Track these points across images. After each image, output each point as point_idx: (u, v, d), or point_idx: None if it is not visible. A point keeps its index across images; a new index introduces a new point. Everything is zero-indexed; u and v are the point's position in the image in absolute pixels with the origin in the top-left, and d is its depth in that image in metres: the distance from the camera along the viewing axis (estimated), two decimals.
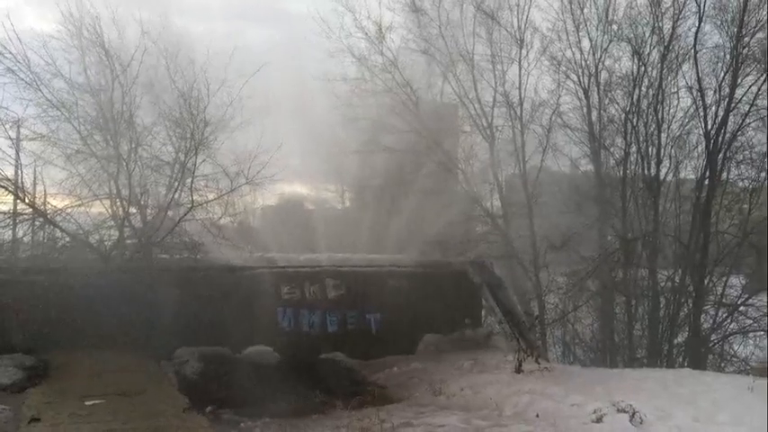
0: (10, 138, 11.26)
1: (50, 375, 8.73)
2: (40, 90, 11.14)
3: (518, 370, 9.83)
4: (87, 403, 7.07)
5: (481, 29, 15.96)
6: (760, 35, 13.79)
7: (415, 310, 12.64)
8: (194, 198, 11.89)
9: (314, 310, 12.19)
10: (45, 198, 11.28)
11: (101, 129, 11.74)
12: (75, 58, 11.58)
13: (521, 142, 16.02)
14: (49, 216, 11.25)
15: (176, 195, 12.05)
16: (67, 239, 11.49)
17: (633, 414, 7.06)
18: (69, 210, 11.38)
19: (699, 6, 14.39)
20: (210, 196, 12.31)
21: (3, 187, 10.69)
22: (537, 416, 7.68)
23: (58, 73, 11.29)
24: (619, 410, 7.23)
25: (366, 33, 15.71)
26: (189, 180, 11.94)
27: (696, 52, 14.48)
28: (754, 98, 13.84)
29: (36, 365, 9.15)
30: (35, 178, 11.49)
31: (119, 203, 11.72)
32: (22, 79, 11.03)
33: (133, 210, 11.81)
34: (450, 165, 15.81)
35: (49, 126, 11.32)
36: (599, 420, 7.15)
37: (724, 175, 14.62)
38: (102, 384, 8.05)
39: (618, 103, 15.82)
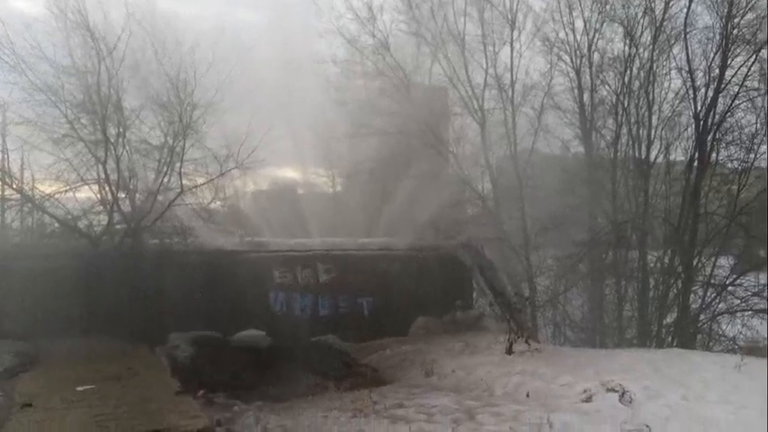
0: None
1: (42, 361, 8.72)
2: (25, 74, 10.98)
3: (509, 351, 9.90)
4: (79, 389, 7.07)
5: (473, 9, 15.85)
6: (750, 16, 13.73)
7: (407, 293, 12.69)
8: (184, 182, 11.82)
9: (306, 293, 12.23)
10: (33, 183, 11.20)
11: (88, 112, 11.58)
12: (60, 41, 11.37)
13: (512, 124, 15.98)
14: (37, 202, 11.15)
15: (165, 180, 11.96)
16: (56, 225, 11.41)
17: (623, 393, 7.14)
18: (57, 195, 11.29)
19: None
20: (200, 180, 12.26)
21: None
22: (527, 396, 7.75)
23: (43, 56, 11.11)
24: (608, 390, 7.30)
25: (357, 14, 15.58)
26: (178, 164, 11.86)
27: (686, 33, 14.43)
28: (744, 79, 13.81)
29: (27, 351, 9.12)
30: (22, 163, 11.39)
31: (107, 188, 11.62)
32: (7, 62, 10.90)
33: (122, 194, 11.73)
34: (440, 148, 15.75)
35: (36, 110, 11.16)
36: (589, 400, 7.22)
37: (713, 156, 14.65)
38: (94, 370, 8.05)
39: (609, 85, 15.79)
